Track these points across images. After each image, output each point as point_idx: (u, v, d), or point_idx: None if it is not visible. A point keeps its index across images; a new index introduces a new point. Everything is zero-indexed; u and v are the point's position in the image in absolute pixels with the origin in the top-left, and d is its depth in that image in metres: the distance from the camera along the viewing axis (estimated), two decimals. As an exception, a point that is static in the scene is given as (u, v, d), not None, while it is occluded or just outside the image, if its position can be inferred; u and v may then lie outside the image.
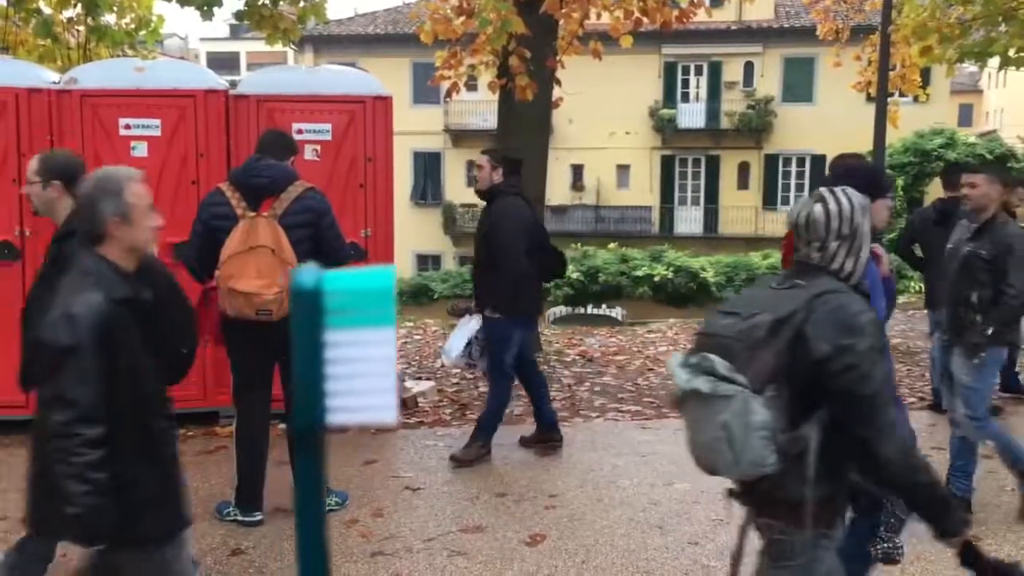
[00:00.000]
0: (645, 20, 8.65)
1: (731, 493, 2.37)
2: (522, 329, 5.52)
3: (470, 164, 31.10)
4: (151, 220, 2.71)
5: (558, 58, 8.49)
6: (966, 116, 51.63)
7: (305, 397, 1.39)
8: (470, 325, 5.55)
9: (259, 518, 4.48)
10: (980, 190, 4.50)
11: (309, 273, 1.36)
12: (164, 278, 2.89)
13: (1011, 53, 9.63)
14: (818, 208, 2.31)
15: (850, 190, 2.36)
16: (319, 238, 4.38)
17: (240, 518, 4.47)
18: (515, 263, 5.26)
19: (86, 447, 2.36)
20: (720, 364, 2.13)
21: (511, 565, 4.05)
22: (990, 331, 4.41)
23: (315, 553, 1.56)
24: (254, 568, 4.06)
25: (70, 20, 9.13)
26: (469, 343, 5.55)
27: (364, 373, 1.38)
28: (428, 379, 7.68)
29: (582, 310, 23.20)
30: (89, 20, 8.80)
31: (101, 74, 6.11)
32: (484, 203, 5.53)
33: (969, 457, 4.61)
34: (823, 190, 2.37)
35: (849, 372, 2.13)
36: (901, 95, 13.44)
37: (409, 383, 7.16)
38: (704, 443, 2.17)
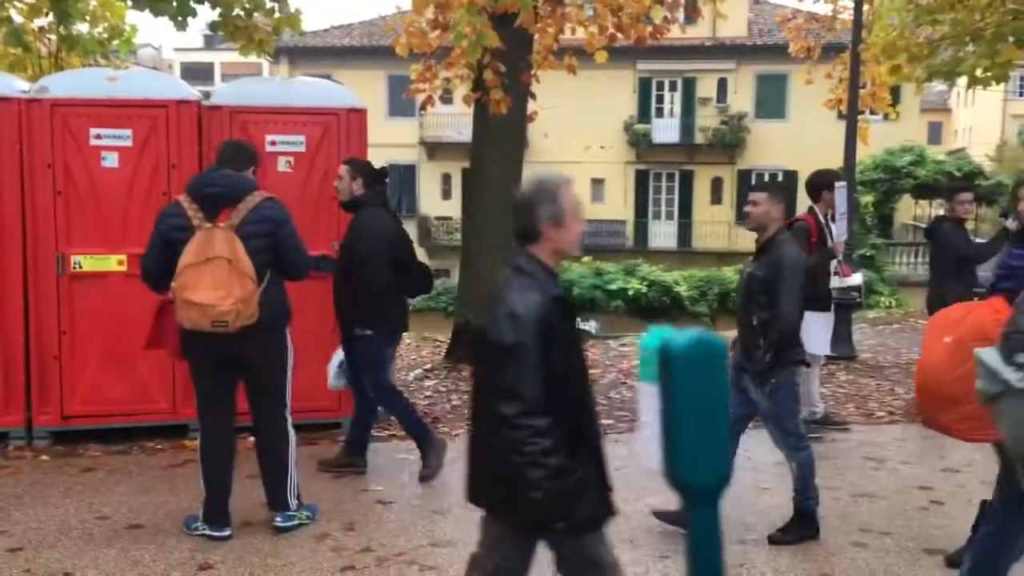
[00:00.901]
0: (620, 36, 8.72)
1: None
2: (394, 345, 5.35)
3: (446, 177, 31.19)
4: (580, 224, 2.88)
5: (533, 72, 8.53)
6: (935, 134, 52.35)
7: (703, 453, 1.44)
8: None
9: (228, 533, 4.44)
10: (761, 208, 4.33)
11: (684, 336, 1.48)
12: None
13: (978, 73, 9.80)
14: None
15: None
16: (278, 248, 4.35)
17: (208, 532, 4.43)
18: (376, 277, 5.01)
19: (537, 437, 2.54)
20: None
21: (482, 579, 4.03)
22: (767, 357, 4.26)
23: None
24: (222, 583, 4.02)
25: (42, 29, 9.05)
26: (341, 363, 5.36)
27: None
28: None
29: (556, 323, 23.21)
30: (61, 29, 8.73)
31: (72, 83, 6.06)
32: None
33: (807, 478, 4.48)
34: None
35: None
36: (871, 113, 13.62)
37: (382, 396, 7.12)
38: None
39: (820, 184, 6.54)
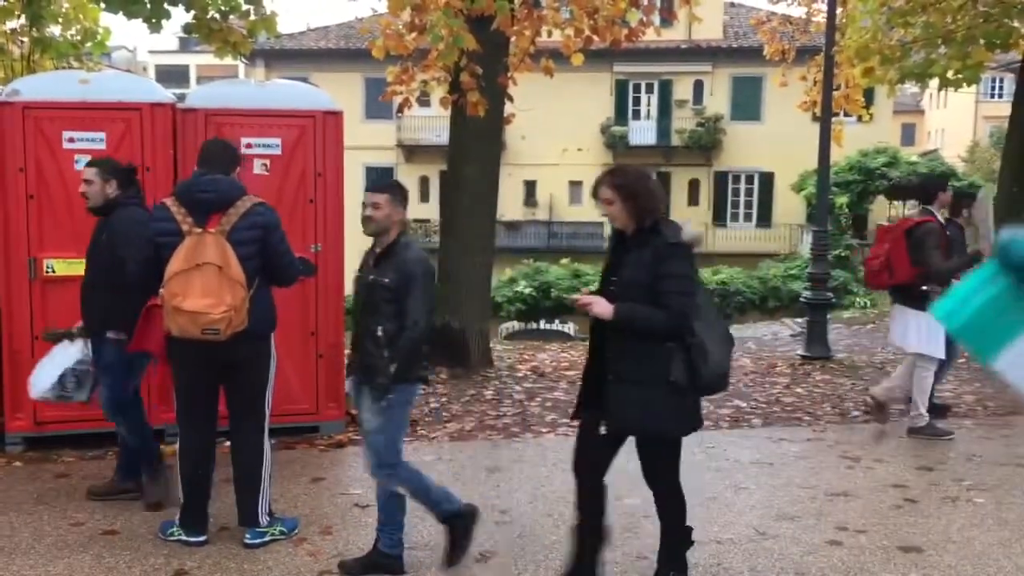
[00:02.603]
0: (596, 38, 8.76)
1: None
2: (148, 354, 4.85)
3: (423, 180, 31.13)
4: None
5: (510, 75, 8.54)
6: (908, 135, 52.90)
7: None
8: (68, 352, 4.92)
9: (204, 539, 4.40)
10: (383, 211, 3.99)
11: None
12: None
13: (950, 74, 9.91)
14: None
15: None
16: (268, 254, 4.32)
17: (184, 538, 4.39)
18: (141, 281, 4.51)
19: None
20: None
21: (460, 582, 4.03)
22: (392, 369, 3.89)
23: None
24: (199, 589, 3.99)
25: (14, 31, 8.97)
26: (64, 374, 4.88)
27: None
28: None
29: (534, 325, 23.26)
30: (34, 31, 8.66)
31: (45, 86, 6.01)
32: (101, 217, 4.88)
33: (395, 510, 4.14)
34: None
35: None
36: (845, 115, 13.76)
37: (359, 399, 7.10)
38: None
39: (936, 186, 6.56)
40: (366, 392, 3.99)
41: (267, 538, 4.45)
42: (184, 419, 4.42)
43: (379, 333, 3.92)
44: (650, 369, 3.55)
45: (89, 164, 4.94)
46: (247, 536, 4.43)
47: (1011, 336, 1.25)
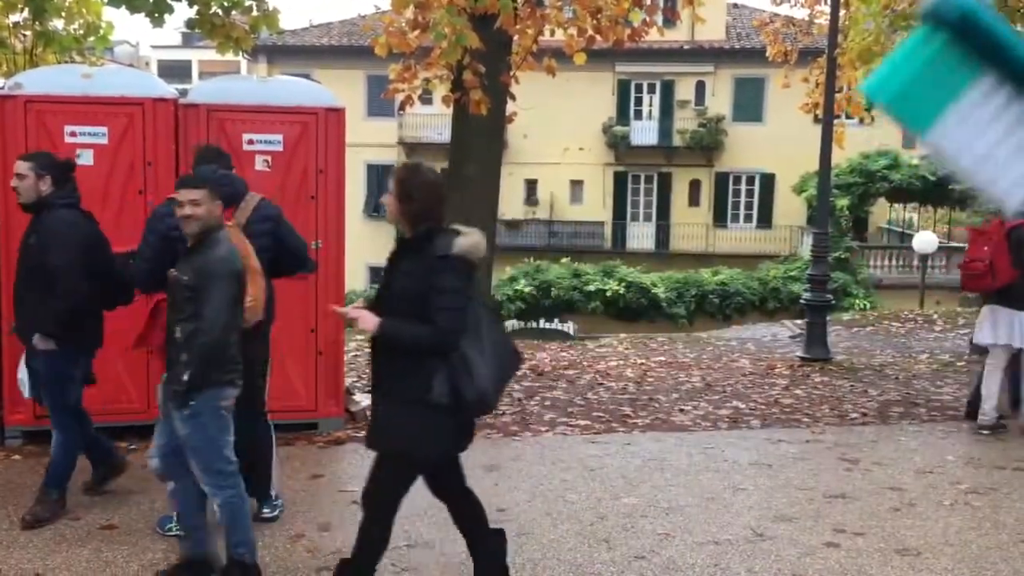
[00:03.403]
0: (598, 38, 8.76)
1: None
2: (85, 361, 4.73)
3: (424, 177, 31.11)
4: None
5: (512, 73, 8.54)
6: (911, 138, 52.78)
7: None
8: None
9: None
10: (203, 208, 3.70)
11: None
12: None
13: (952, 78, 9.89)
14: None
15: None
16: (281, 242, 4.50)
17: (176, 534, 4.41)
18: (74, 286, 4.43)
19: None
20: None
21: (458, 580, 4.04)
22: (186, 375, 3.60)
23: None
24: (196, 584, 3.99)
25: (16, 25, 8.96)
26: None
27: None
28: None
29: (534, 324, 23.27)
30: (37, 25, 8.65)
31: (47, 80, 6.01)
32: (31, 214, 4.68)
33: (237, 518, 3.84)
34: None
35: None
36: (847, 117, 13.74)
37: (358, 396, 7.10)
38: None
39: None
40: (172, 400, 3.71)
41: (277, 512, 4.66)
42: None
43: (177, 334, 3.69)
44: (412, 386, 3.34)
45: (23, 158, 4.73)
46: (265, 510, 4.62)
47: (945, 102, 1.15)
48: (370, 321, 3.41)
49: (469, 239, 3.40)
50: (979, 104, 1.14)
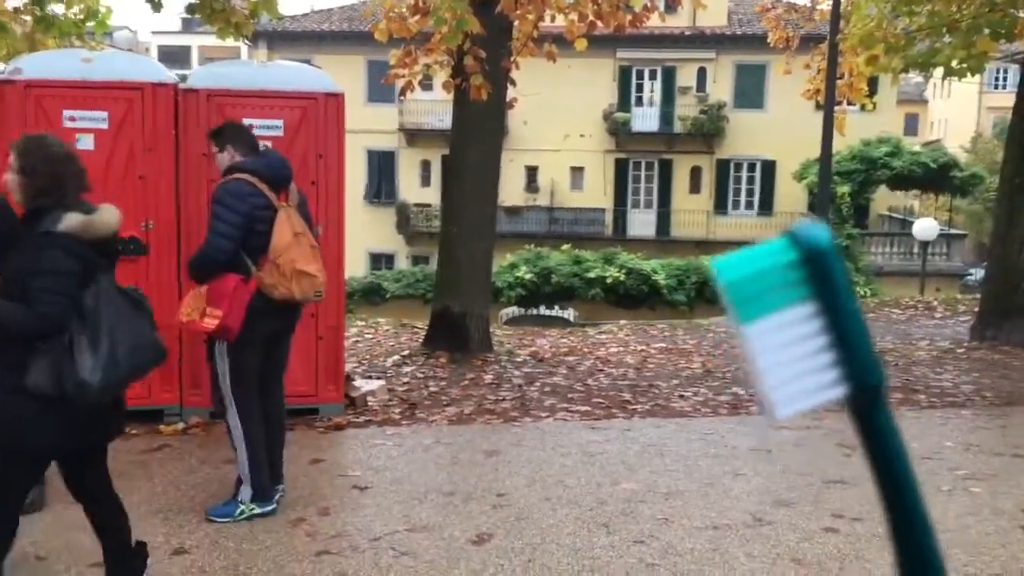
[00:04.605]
0: (599, 23, 8.73)
1: None
2: None
3: (425, 164, 31.11)
4: None
5: (513, 59, 8.52)
6: (912, 125, 52.74)
7: (870, 354, 1.29)
8: None
9: (274, 506, 4.57)
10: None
11: (814, 229, 1.28)
12: None
13: (954, 64, 9.88)
14: None
15: None
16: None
17: (258, 511, 4.48)
18: None
19: None
20: None
21: (457, 564, 4.05)
22: None
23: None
24: (196, 568, 4.01)
25: (17, 10, 8.93)
26: None
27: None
28: (378, 378, 7.66)
29: (534, 311, 23.28)
30: (36, 10, 8.63)
31: (47, 64, 5.99)
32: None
33: None
34: None
35: None
36: (848, 103, 13.71)
37: (359, 382, 7.12)
38: None
39: None
40: None
41: (280, 494, 4.67)
42: (250, 396, 4.50)
43: None
44: (10, 373, 3.05)
45: None
46: (279, 488, 4.67)
47: (771, 308, 1.31)
48: None
49: (82, 218, 3.11)
50: (794, 323, 1.30)
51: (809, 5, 13.86)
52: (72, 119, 5.72)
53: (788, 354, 1.33)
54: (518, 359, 8.89)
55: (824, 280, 1.30)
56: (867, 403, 1.37)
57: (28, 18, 8.91)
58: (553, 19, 8.92)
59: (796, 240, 1.29)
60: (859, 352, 1.33)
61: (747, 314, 1.32)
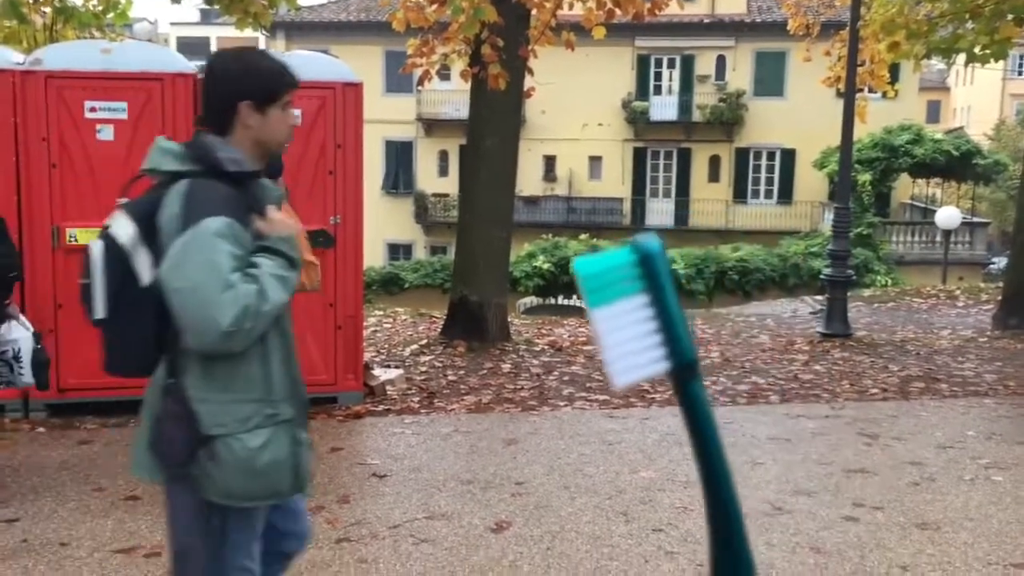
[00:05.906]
0: (618, 12, 8.68)
1: None
2: None
3: (443, 154, 31.12)
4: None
5: (531, 47, 8.49)
6: (934, 113, 52.28)
7: (686, 336, 1.71)
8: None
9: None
10: None
11: (648, 240, 1.72)
12: None
13: (976, 50, 9.77)
14: None
15: None
16: None
17: None
18: None
19: None
20: None
21: (476, 551, 4.07)
22: None
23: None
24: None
25: (36, 1, 8.98)
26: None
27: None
28: (396, 367, 7.68)
29: (552, 301, 23.28)
30: (56, 1, 8.67)
31: (67, 55, 6.02)
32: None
33: None
34: None
35: None
36: (870, 91, 13.59)
37: (377, 371, 7.15)
38: None
39: None
40: None
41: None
42: None
43: None
44: None
45: None
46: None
47: (616, 296, 1.69)
48: None
49: None
50: (631, 310, 1.71)
51: (829, -9, 13.73)
52: (93, 110, 5.75)
53: (626, 334, 1.70)
54: (536, 348, 8.90)
55: (652, 277, 1.69)
56: (684, 376, 1.74)
57: (48, 9, 8.96)
58: (571, 7, 8.88)
59: (635, 246, 1.70)
60: (677, 334, 1.71)
61: (596, 301, 1.68)
